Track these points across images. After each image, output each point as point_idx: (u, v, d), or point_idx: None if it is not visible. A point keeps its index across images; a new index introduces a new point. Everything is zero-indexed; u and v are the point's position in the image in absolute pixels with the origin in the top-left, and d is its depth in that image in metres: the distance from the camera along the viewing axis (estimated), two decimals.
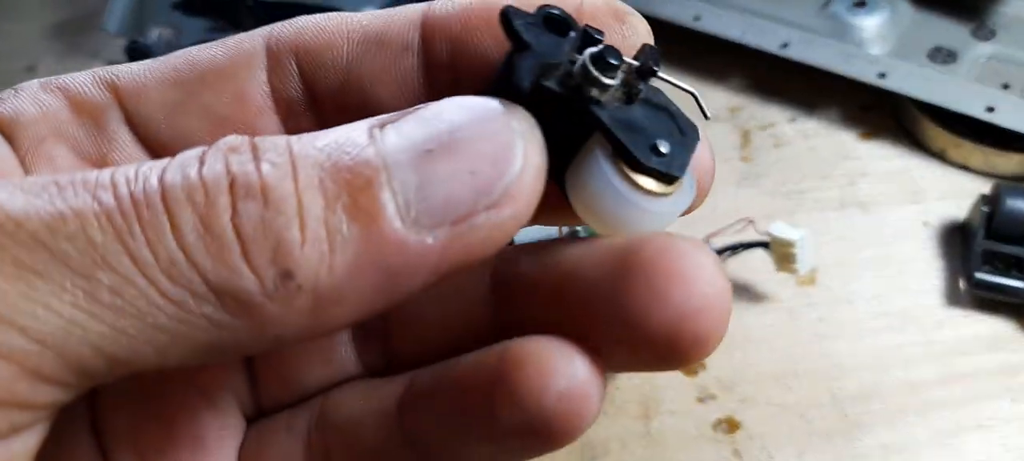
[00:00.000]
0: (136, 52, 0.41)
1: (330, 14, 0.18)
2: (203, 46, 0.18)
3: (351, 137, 0.13)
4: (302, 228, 0.12)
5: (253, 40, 0.18)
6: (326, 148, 0.13)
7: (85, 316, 0.12)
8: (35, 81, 0.18)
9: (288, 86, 0.18)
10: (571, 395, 0.13)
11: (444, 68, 0.17)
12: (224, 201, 0.12)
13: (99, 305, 0.12)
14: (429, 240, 0.13)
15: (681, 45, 0.45)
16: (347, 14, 0.17)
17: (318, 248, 0.12)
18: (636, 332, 0.14)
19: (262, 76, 0.17)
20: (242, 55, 0.17)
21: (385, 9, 0.17)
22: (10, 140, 0.17)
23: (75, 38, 0.51)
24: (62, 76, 0.18)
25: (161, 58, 0.18)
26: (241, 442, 0.18)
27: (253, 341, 0.13)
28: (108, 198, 0.12)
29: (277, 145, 0.13)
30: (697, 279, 0.13)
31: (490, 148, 0.13)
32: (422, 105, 0.14)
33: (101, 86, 0.17)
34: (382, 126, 0.13)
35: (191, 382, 0.18)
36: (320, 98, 0.18)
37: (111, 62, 0.48)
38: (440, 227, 0.13)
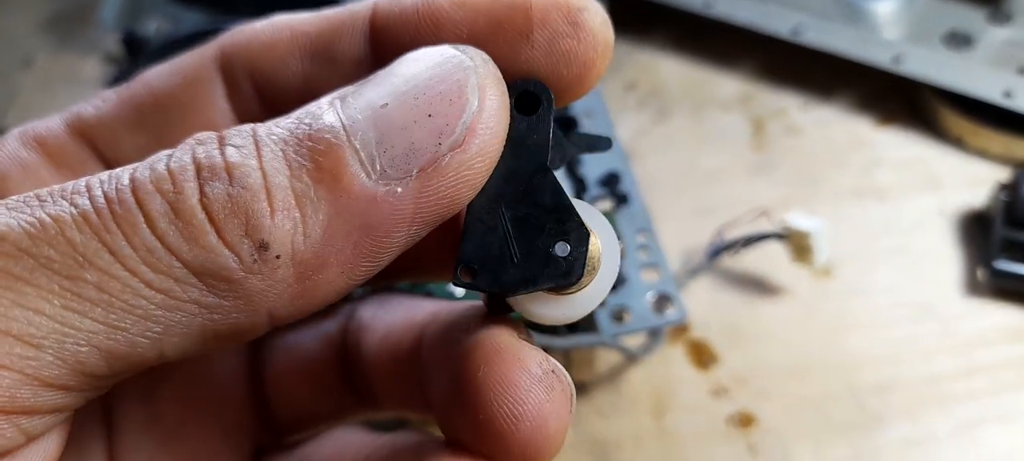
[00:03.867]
0: (133, 43, 0.40)
1: (275, 22, 0.17)
2: (159, 71, 0.18)
3: (311, 110, 0.14)
4: (270, 199, 0.13)
5: (205, 63, 0.18)
6: (288, 124, 0.13)
7: (76, 315, 0.12)
8: (13, 133, 0.18)
9: (249, 107, 0.18)
10: None
11: None
12: (191, 186, 0.13)
13: (87, 302, 0.12)
14: (399, 190, 0.13)
15: (690, 31, 0.44)
16: (291, 20, 0.17)
17: (289, 216, 0.13)
18: (474, 439, 0.15)
19: (223, 103, 0.18)
20: (200, 84, 0.18)
21: (331, 11, 0.17)
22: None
23: (70, 31, 0.50)
24: (35, 125, 0.18)
25: (122, 92, 0.18)
26: None
27: (249, 320, 0.13)
28: (83, 201, 0.13)
29: (242, 131, 0.13)
30: (505, 397, 0.14)
31: (444, 88, 0.13)
32: (381, 69, 0.14)
33: (75, 136, 0.18)
34: (343, 97, 0.14)
35: (208, 420, 0.19)
36: (281, 113, 0.18)
37: (107, 55, 0.47)
38: (407, 176, 0.13)
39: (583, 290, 0.15)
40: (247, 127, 0.14)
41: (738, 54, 0.43)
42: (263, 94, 0.18)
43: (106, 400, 0.18)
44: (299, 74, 0.17)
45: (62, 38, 0.49)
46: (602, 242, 0.15)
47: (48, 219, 0.12)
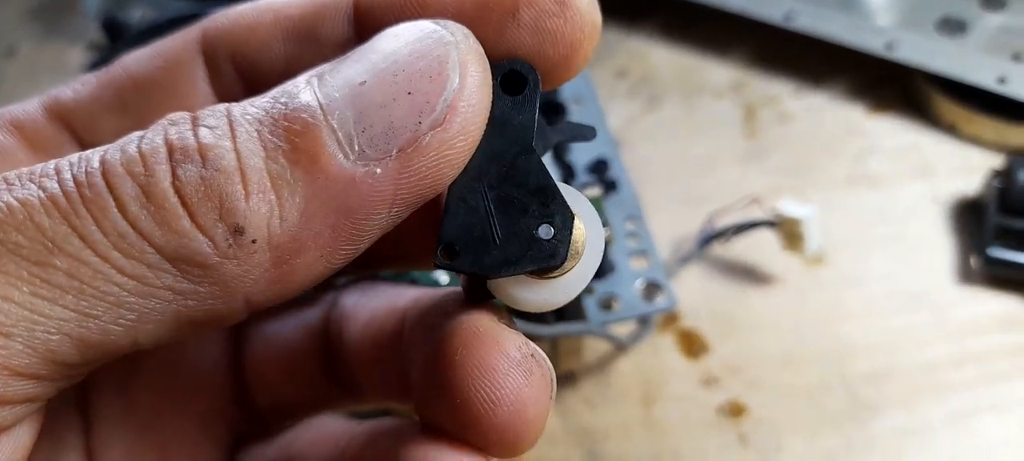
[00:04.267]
0: (113, 28, 0.39)
1: (258, 6, 0.17)
2: (140, 55, 0.17)
3: (287, 89, 0.13)
4: (244, 181, 0.12)
5: (187, 46, 0.17)
6: (264, 104, 0.13)
7: (46, 303, 0.12)
8: None
9: (231, 91, 0.17)
10: None
11: None
12: (163, 169, 0.12)
13: (57, 289, 0.12)
14: (378, 171, 0.13)
15: (681, 18, 0.44)
16: (274, 3, 0.17)
17: (265, 199, 0.12)
18: (463, 424, 0.14)
19: (205, 86, 0.17)
20: (181, 67, 0.17)
21: None
22: None
23: (55, 20, 0.49)
24: (12, 108, 0.18)
25: (101, 76, 0.18)
26: None
27: (225, 306, 0.13)
28: (52, 184, 0.12)
29: (216, 111, 0.13)
30: (482, 382, 0.14)
31: (424, 65, 0.13)
32: (360, 45, 0.14)
33: (53, 120, 0.17)
34: (320, 75, 0.13)
35: (186, 409, 0.18)
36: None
37: (91, 43, 0.46)
38: (387, 156, 0.13)
39: (566, 275, 0.15)
40: (221, 107, 0.13)
41: (730, 41, 0.43)
42: (246, 77, 0.17)
43: (82, 390, 0.18)
44: (282, 57, 0.17)
45: (46, 27, 0.49)
46: (586, 226, 0.15)
47: (15, 203, 0.12)
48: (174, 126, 0.13)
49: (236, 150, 0.12)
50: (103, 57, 0.37)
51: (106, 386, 0.18)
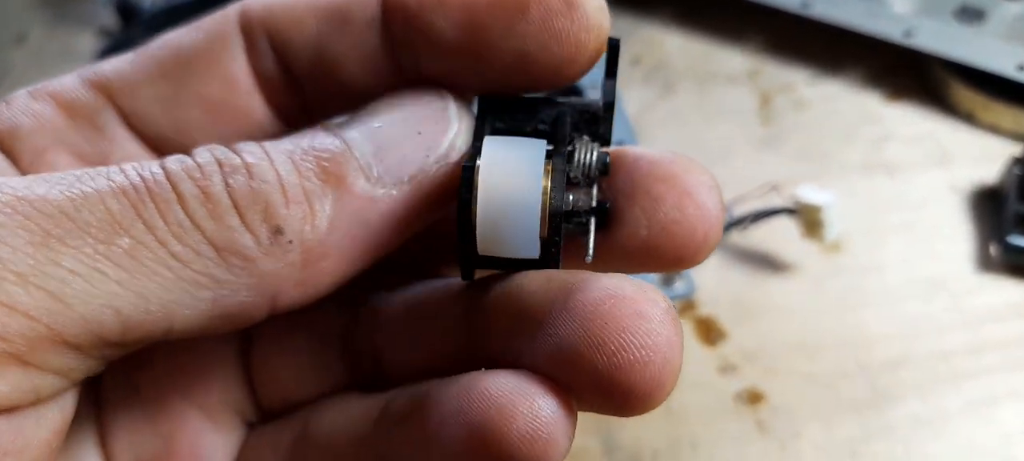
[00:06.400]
0: (126, 10, 0.39)
1: None
2: (178, 32, 0.18)
3: (307, 135, 0.15)
4: (284, 193, 0.14)
5: (227, 19, 0.18)
6: (292, 140, 0.15)
7: (102, 277, 0.13)
8: (23, 91, 0.18)
9: (265, 66, 0.18)
10: (533, 436, 0.14)
11: (406, 45, 0.17)
12: (218, 177, 0.14)
13: (116, 266, 0.13)
14: (394, 192, 0.15)
15: (696, 5, 0.44)
16: None
17: (301, 207, 0.14)
18: (578, 375, 0.14)
19: (242, 57, 0.18)
20: (220, 37, 0.18)
21: None
22: (9, 154, 0.17)
23: (64, 6, 0.49)
24: (48, 82, 0.18)
25: (140, 51, 0.18)
26: (237, 455, 0.19)
27: (252, 300, 0.14)
28: (121, 178, 0.14)
29: (251, 145, 0.15)
30: (637, 330, 0.14)
31: (429, 112, 0.16)
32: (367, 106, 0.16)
33: (90, 88, 0.18)
34: (340, 125, 0.16)
35: (191, 399, 0.19)
36: (296, 76, 0.18)
37: (102, 29, 0.46)
38: (401, 182, 0.15)
39: (477, 219, 0.15)
40: (254, 143, 0.15)
41: (744, 28, 0.43)
42: (279, 50, 0.18)
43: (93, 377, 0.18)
44: (314, 33, 0.18)
45: (56, 13, 0.48)
46: (485, 164, 0.15)
47: (89, 190, 0.14)
48: (219, 149, 0.15)
49: (275, 170, 0.15)
50: (116, 42, 0.37)
51: (113, 375, 0.18)
